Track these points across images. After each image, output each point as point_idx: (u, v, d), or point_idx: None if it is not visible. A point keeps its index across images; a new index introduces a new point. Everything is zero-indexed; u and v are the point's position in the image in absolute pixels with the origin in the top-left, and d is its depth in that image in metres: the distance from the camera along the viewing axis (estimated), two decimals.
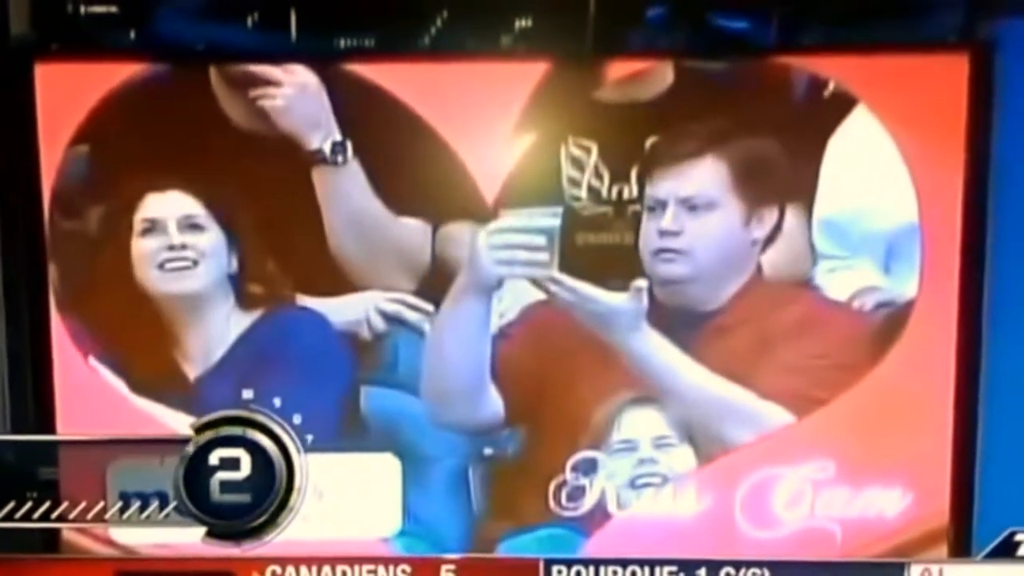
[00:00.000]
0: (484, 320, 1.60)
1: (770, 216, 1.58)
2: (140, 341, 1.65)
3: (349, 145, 1.58)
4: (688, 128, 1.57)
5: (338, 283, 1.62)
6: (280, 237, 1.62)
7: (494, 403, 1.63)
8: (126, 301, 1.62)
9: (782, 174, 1.58)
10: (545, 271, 1.57)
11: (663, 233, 1.58)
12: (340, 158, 1.58)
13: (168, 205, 1.61)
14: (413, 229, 1.61)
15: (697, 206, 1.57)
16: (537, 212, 1.57)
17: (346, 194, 1.59)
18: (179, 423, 1.61)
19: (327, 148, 1.58)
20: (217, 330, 1.65)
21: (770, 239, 1.60)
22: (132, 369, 1.65)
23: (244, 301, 1.65)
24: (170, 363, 1.66)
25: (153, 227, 1.61)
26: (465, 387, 1.63)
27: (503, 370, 1.63)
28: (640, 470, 1.66)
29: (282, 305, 1.64)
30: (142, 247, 1.61)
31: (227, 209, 1.61)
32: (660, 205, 1.57)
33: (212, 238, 1.62)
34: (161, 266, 1.61)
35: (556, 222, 1.57)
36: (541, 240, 1.56)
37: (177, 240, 1.61)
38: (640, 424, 1.65)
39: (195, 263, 1.62)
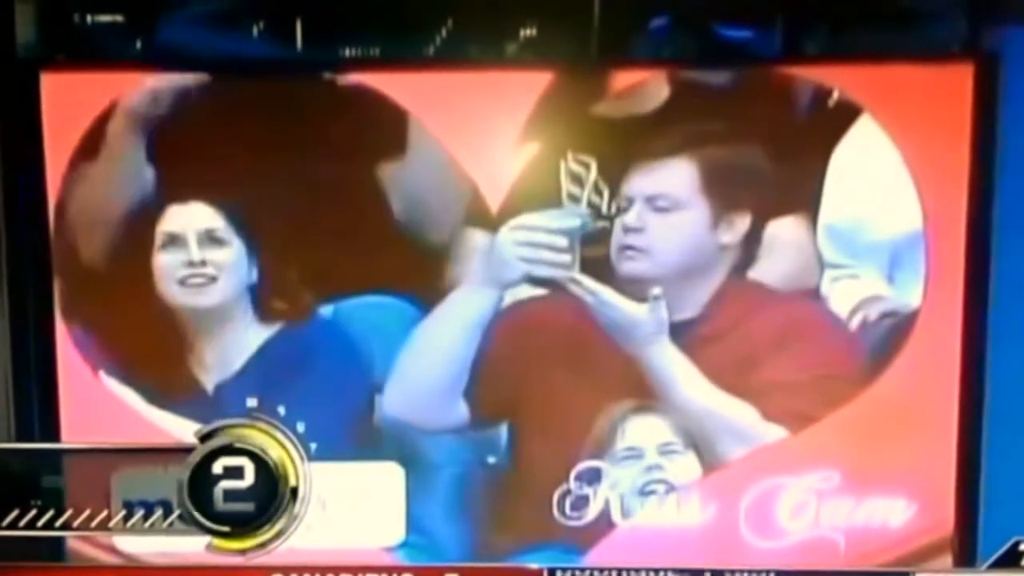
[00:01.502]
0: (484, 317, 1.60)
1: (741, 222, 1.58)
2: (153, 352, 1.65)
3: None
4: (666, 129, 1.57)
5: (358, 286, 1.63)
6: (301, 245, 1.62)
7: (462, 407, 1.63)
8: (138, 312, 1.63)
9: (769, 181, 1.58)
10: (567, 272, 1.58)
11: (627, 230, 1.58)
12: None
13: (186, 217, 1.60)
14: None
15: (663, 206, 1.57)
16: (559, 212, 1.58)
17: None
18: (186, 432, 1.59)
19: None
20: (237, 341, 1.65)
21: (756, 247, 1.59)
22: (145, 380, 1.65)
23: (264, 312, 1.65)
24: (186, 375, 1.66)
25: (172, 241, 1.61)
26: (443, 384, 1.62)
27: (501, 376, 1.63)
28: (646, 477, 1.65)
29: (303, 315, 1.64)
30: (160, 262, 1.61)
31: (245, 219, 1.61)
32: (629, 202, 1.58)
33: (232, 251, 1.61)
34: (182, 282, 1.61)
35: (578, 223, 1.57)
36: (564, 241, 1.57)
37: (197, 256, 1.60)
38: (645, 431, 1.64)
39: (214, 279, 1.61)
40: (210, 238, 1.61)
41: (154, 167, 1.59)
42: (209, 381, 1.66)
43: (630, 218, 1.57)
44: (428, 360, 1.62)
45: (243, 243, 1.61)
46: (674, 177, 1.57)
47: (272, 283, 1.64)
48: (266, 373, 1.65)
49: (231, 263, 1.62)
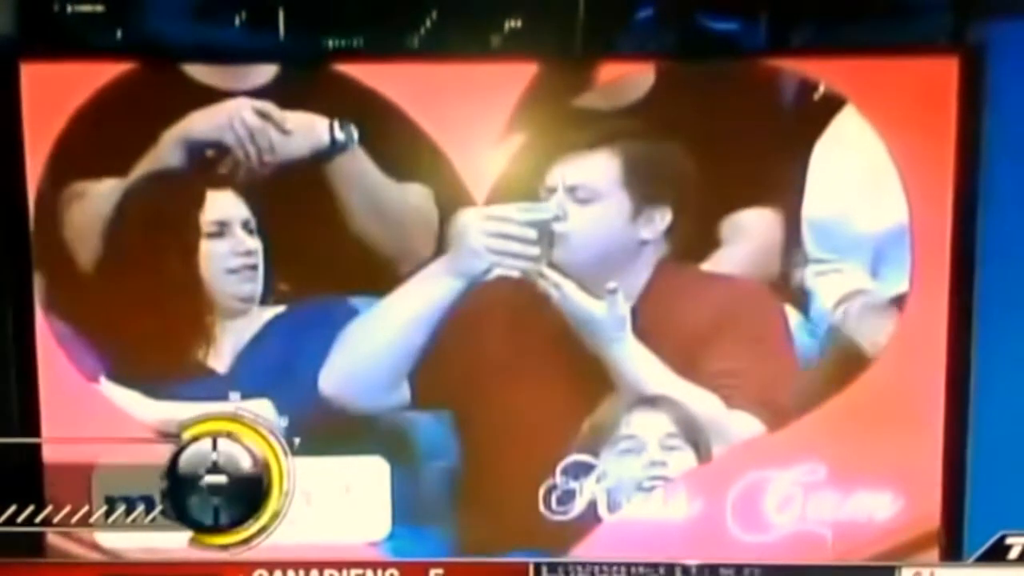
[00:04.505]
0: (444, 307, 1.59)
1: (662, 217, 1.58)
2: (147, 346, 1.63)
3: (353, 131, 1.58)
4: (596, 121, 1.57)
5: (359, 277, 1.62)
6: (298, 233, 1.61)
7: (404, 391, 1.62)
8: (125, 303, 1.61)
9: (750, 174, 1.57)
10: (536, 264, 1.58)
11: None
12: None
13: (227, 206, 1.59)
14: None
15: (583, 196, 1.57)
16: (531, 205, 1.58)
17: (359, 175, 1.58)
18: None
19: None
20: (236, 330, 1.64)
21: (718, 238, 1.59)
22: (135, 371, 1.63)
23: (267, 299, 1.63)
24: (188, 365, 1.64)
25: (219, 230, 1.59)
26: (389, 368, 1.61)
27: (460, 366, 1.62)
28: (640, 472, 1.64)
29: (299, 302, 1.63)
30: (208, 250, 1.59)
31: (266, 208, 1.60)
32: (550, 191, 1.58)
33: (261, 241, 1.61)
34: (232, 271, 1.60)
35: (549, 216, 1.57)
36: (533, 234, 1.56)
37: (244, 246, 1.60)
38: (642, 424, 1.63)
39: (256, 267, 1.61)
40: (246, 227, 1.60)
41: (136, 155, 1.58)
42: (210, 370, 1.64)
43: (550, 206, 1.57)
44: (381, 348, 1.61)
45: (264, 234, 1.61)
46: (594, 167, 1.57)
47: (273, 273, 1.62)
48: (262, 361, 1.64)
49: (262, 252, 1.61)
